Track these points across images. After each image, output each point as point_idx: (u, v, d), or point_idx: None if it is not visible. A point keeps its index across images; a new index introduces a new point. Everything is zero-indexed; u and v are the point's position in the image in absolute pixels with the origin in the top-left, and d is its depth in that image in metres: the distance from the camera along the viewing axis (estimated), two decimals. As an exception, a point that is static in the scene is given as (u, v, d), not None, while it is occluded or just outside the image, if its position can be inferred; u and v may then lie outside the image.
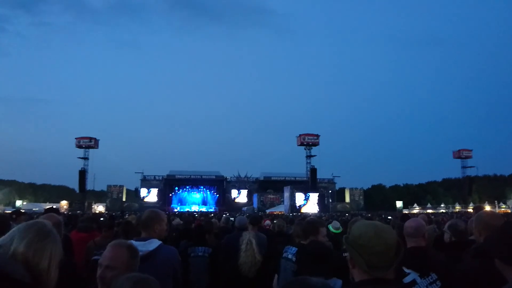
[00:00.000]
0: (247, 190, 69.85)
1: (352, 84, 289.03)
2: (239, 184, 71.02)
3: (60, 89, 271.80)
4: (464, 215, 21.31)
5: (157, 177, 69.71)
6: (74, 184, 67.25)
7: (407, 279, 2.37)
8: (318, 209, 49.84)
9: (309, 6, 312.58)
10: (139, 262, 2.17)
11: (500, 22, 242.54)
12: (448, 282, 2.42)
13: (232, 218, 10.37)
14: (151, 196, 66.58)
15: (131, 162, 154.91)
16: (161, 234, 3.14)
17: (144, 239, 2.98)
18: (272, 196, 65.84)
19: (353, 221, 3.70)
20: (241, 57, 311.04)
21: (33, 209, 45.63)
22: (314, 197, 52.40)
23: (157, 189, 67.34)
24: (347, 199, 72.13)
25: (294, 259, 3.37)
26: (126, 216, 14.33)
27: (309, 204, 51.36)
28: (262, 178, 72.07)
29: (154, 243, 2.95)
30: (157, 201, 64.62)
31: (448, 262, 2.66)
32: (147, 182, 68.67)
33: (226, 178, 71.67)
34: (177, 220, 10.82)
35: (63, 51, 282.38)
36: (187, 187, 69.01)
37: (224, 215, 13.59)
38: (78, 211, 45.30)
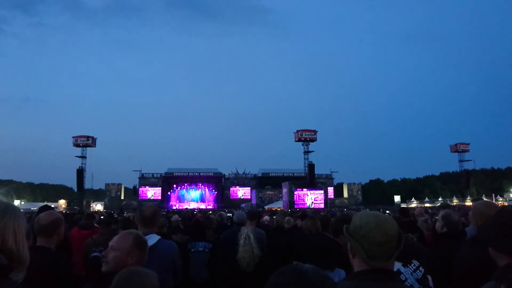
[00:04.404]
0: (245, 187, 69.89)
1: (349, 80, 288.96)
2: (238, 181, 71.04)
3: (58, 88, 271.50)
4: (461, 208, 21.38)
5: (155, 175, 69.63)
6: (72, 183, 67.14)
7: None
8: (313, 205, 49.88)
9: (305, 4, 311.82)
10: (146, 254, 2.25)
11: (498, 18, 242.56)
12: (429, 267, 2.44)
13: (230, 214, 10.36)
14: (150, 194, 66.57)
15: (129, 160, 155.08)
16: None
17: (144, 235, 2.99)
18: (270, 192, 65.89)
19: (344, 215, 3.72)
20: (238, 55, 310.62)
21: (31, 208, 45.52)
22: (314, 193, 52.50)
23: (158, 188, 67.24)
24: (345, 194, 72.31)
25: None
26: (125, 214, 14.32)
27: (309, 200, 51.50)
28: (260, 175, 72.09)
29: (154, 238, 2.97)
30: (153, 198, 64.49)
31: (426, 248, 2.67)
32: (145, 180, 68.61)
33: (224, 175, 71.66)
34: (175, 217, 10.83)
35: (60, 51, 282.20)
36: (185, 184, 68.97)
37: (220, 212, 13.57)
38: (76, 207, 45.23)
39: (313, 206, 48.75)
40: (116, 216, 13.51)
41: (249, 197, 67.44)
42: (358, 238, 1.47)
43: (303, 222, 6.92)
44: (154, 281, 1.84)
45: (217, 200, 67.38)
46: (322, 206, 48.96)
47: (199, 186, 69.22)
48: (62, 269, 2.63)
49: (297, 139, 56.77)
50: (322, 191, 53.51)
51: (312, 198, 52.03)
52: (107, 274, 2.14)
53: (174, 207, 57.65)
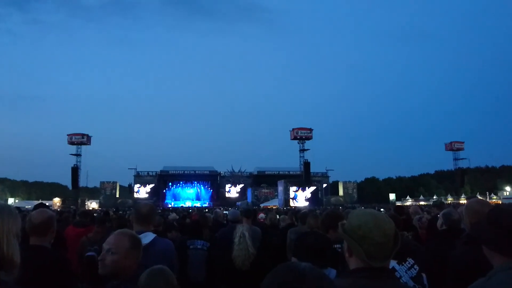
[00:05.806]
0: (241, 185, 69.83)
1: (344, 78, 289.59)
2: (233, 179, 70.93)
3: (53, 86, 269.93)
4: (455, 206, 21.53)
5: (150, 173, 69.33)
6: (67, 181, 66.63)
7: None
8: (309, 203, 49.89)
9: (300, 2, 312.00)
10: (141, 252, 2.24)
11: (490, 16, 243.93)
12: (424, 265, 2.45)
13: (226, 212, 10.35)
14: (143, 192, 66.23)
15: (124, 158, 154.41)
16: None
17: (139, 233, 2.98)
18: (266, 191, 65.85)
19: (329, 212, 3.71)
20: (234, 52, 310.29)
21: (26, 206, 45.19)
22: (308, 191, 52.55)
23: (151, 185, 66.97)
24: (341, 193, 72.47)
25: None
26: (120, 213, 14.26)
27: (301, 198, 51.53)
28: (256, 173, 72.03)
29: (149, 236, 2.96)
30: (149, 197, 64.15)
31: (421, 246, 2.69)
32: (141, 178, 68.29)
33: (220, 173, 71.48)
34: (172, 215, 10.83)
35: (55, 48, 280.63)
36: (181, 182, 68.67)
37: (216, 210, 13.56)
38: (72, 206, 45.01)
39: (308, 204, 48.86)
40: (112, 214, 13.45)
41: (244, 195, 67.39)
42: (356, 238, 1.46)
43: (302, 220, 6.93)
44: (175, 281, 1.93)
45: (212, 198, 67.27)
46: (317, 204, 49.10)
47: (194, 184, 69.05)
48: (61, 268, 2.61)
49: (292, 137, 56.80)
50: (318, 189, 53.63)
51: (307, 196, 52.13)
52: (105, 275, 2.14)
53: (170, 205, 57.50)
